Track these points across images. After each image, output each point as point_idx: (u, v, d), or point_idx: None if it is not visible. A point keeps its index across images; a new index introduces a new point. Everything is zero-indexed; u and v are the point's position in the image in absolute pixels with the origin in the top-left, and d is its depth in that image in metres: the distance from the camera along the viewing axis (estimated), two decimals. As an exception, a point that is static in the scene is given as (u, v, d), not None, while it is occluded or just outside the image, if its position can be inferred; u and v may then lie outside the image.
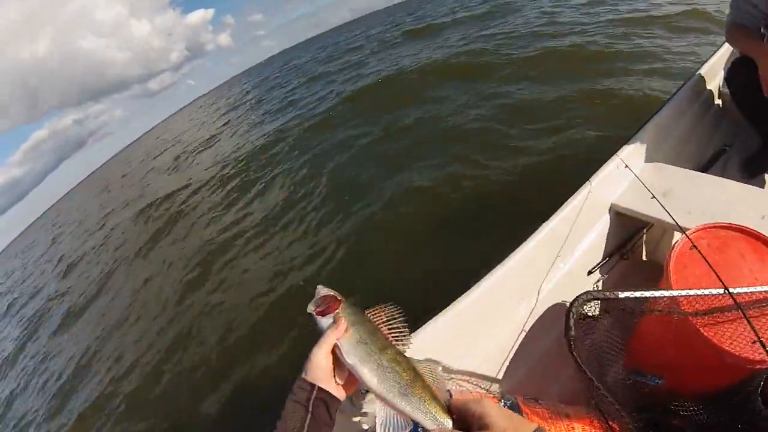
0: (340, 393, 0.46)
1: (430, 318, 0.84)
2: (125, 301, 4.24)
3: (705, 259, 0.68)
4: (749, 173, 1.55)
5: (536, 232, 1.02)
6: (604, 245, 1.19)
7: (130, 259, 5.34)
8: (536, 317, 1.01)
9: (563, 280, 1.07)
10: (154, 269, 4.52)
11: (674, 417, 0.78)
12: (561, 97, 3.61)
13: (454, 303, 0.87)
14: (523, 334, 0.98)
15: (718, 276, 0.64)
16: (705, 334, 0.64)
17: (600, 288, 1.18)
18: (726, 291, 0.62)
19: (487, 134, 3.53)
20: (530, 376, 0.96)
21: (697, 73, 1.72)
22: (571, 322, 0.71)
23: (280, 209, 4.04)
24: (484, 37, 6.88)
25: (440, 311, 0.85)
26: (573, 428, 0.69)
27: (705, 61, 1.80)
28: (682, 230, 0.80)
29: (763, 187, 1.42)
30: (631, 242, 1.22)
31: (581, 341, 0.73)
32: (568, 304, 0.75)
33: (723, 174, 1.58)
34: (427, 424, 0.40)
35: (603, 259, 1.17)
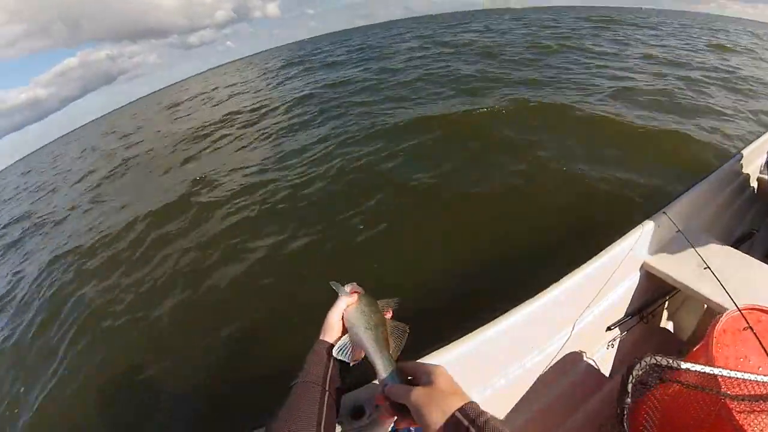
0: None
1: (448, 342, 0.82)
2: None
3: (760, 342, 0.65)
4: None
5: (566, 277, 0.99)
6: (628, 303, 1.17)
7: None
8: (551, 362, 0.99)
9: (582, 331, 1.05)
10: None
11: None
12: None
13: (473, 333, 0.84)
14: (535, 377, 0.96)
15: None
16: (738, 419, 0.61)
17: (616, 346, 1.16)
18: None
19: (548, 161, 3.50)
20: (537, 418, 0.94)
21: (741, 152, 1.76)
22: (629, 386, 0.67)
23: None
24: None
25: (457, 338, 0.82)
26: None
27: (751, 142, 1.86)
28: (737, 307, 0.77)
29: None
30: (655, 305, 1.21)
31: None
32: (613, 365, 0.72)
33: (749, 251, 1.52)
34: (378, 365, 0.49)
35: (624, 317, 1.15)
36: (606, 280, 1.07)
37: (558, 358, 1.00)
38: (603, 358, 1.14)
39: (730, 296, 0.84)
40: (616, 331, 1.14)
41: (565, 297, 0.97)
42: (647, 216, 1.22)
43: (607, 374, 1.12)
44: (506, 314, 0.89)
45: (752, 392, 0.61)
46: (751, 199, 1.87)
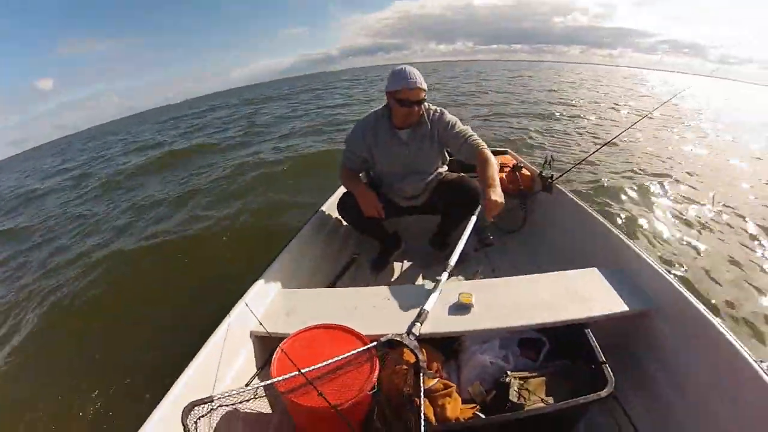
0: None
1: None
2: None
3: (286, 355, 1.00)
4: (375, 271, 2.07)
5: (186, 369, 1.09)
6: (255, 362, 1.33)
7: None
8: None
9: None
10: None
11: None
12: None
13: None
14: None
15: (292, 362, 0.95)
16: (294, 400, 0.94)
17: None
18: (299, 371, 0.93)
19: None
20: None
21: (321, 208, 2.19)
22: (189, 426, 0.82)
23: None
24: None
25: None
26: None
27: (330, 197, 2.28)
28: (276, 339, 1.13)
29: (396, 279, 2.02)
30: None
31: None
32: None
33: (356, 275, 2.06)
34: None
35: (256, 372, 1.31)
36: (219, 362, 1.20)
37: None
38: None
39: (268, 332, 1.25)
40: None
41: (186, 393, 1.04)
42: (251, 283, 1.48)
43: None
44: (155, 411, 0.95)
45: (292, 385, 0.97)
46: (346, 236, 2.26)
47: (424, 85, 1.64)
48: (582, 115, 9.70)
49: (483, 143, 1.73)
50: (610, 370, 1.07)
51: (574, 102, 12.74)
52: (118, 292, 3.17)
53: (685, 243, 3.18)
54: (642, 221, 3.51)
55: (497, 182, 1.57)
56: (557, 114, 9.82)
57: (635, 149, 6.18)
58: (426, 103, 1.73)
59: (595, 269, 1.47)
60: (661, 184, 4.53)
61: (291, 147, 7.89)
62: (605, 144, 2.57)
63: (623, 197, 4.11)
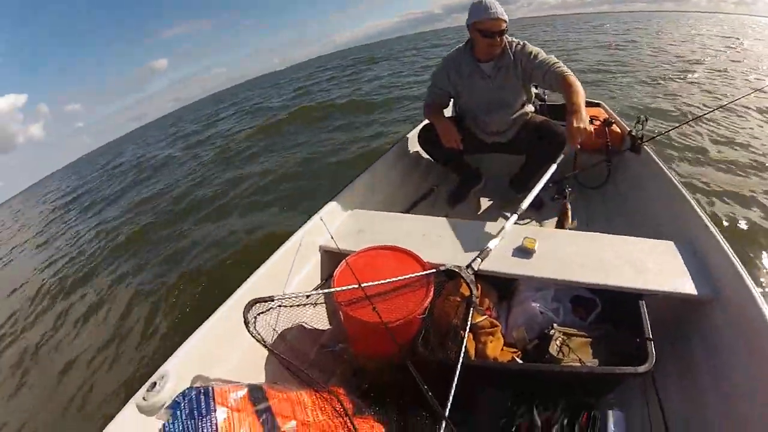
0: None
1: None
2: None
3: (350, 268, 1.07)
4: (451, 203, 2.12)
5: (257, 270, 1.22)
6: (319, 275, 1.43)
7: None
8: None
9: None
10: None
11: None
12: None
13: (206, 321, 1.06)
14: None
15: (354, 274, 1.02)
16: (349, 312, 1.01)
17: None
18: (359, 285, 0.98)
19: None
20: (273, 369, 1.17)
21: (405, 137, 2.25)
22: (249, 319, 0.90)
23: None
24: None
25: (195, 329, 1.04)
26: (302, 397, 0.92)
27: (413, 129, 2.32)
28: (343, 255, 1.17)
29: (473, 213, 2.08)
30: None
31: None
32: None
33: (433, 206, 2.12)
34: None
35: (320, 284, 1.40)
36: (289, 269, 1.31)
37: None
38: None
39: (338, 248, 1.27)
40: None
41: (262, 281, 1.21)
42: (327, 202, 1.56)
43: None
44: (220, 307, 1.11)
45: (349, 297, 1.03)
46: (428, 167, 2.31)
47: (505, 16, 1.61)
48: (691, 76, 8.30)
49: (569, 70, 1.64)
50: (654, 347, 1.03)
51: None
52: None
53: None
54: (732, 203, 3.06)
55: (583, 108, 1.50)
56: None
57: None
58: (508, 36, 1.70)
59: (671, 243, 1.37)
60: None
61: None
62: (706, 113, 2.42)
63: (721, 173, 3.55)
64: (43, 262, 6.07)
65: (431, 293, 1.05)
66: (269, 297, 0.95)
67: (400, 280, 1.03)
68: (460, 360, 0.91)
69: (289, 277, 1.31)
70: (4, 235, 12.00)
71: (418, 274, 1.06)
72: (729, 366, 1.12)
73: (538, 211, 2.00)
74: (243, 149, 7.93)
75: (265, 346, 0.90)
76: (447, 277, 1.10)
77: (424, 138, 1.97)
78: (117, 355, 2.72)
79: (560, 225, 1.67)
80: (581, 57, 11.88)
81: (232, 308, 1.11)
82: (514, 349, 1.17)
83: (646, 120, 2.01)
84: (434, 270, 1.08)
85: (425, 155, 2.14)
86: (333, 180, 4.34)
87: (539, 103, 2.19)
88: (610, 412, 1.13)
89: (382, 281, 1.02)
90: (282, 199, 4.43)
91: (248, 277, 1.21)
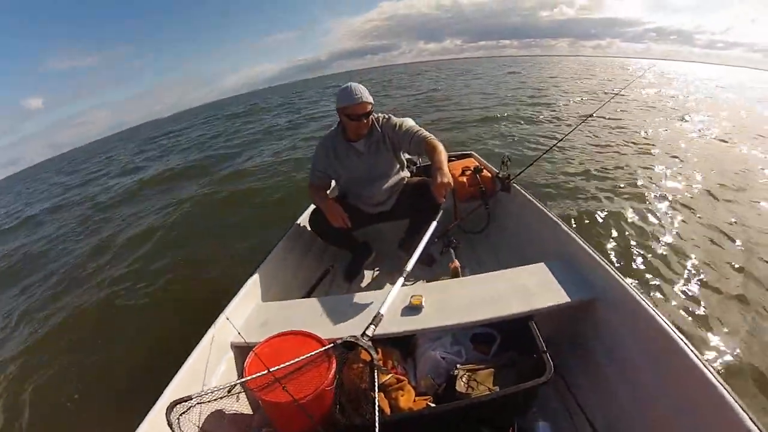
0: None
1: None
2: None
3: (258, 357, 1.14)
4: (348, 279, 2.16)
5: (175, 375, 1.22)
6: (236, 373, 1.43)
7: None
8: None
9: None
10: None
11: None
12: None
13: None
14: None
15: (262, 362, 1.09)
16: (263, 397, 1.07)
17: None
18: (267, 370, 1.06)
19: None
20: None
21: (296, 222, 2.30)
22: (172, 421, 0.93)
23: None
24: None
25: None
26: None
27: (304, 212, 2.39)
28: (250, 347, 1.21)
29: (357, 289, 2.07)
30: None
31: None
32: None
33: (332, 285, 2.15)
34: None
35: (237, 380, 1.35)
36: (204, 369, 1.33)
37: None
38: None
39: (245, 341, 1.37)
40: None
41: (182, 384, 1.22)
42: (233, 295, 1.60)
43: None
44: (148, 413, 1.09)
45: (262, 383, 1.10)
46: (323, 248, 2.34)
47: (370, 99, 1.77)
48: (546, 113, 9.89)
49: (430, 135, 1.83)
50: (550, 358, 1.17)
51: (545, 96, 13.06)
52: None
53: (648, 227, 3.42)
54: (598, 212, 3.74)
55: (445, 165, 1.64)
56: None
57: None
58: (375, 114, 1.86)
59: (542, 264, 1.58)
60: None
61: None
62: (556, 144, 2.75)
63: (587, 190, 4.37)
64: None
65: (333, 365, 1.14)
66: (187, 396, 0.98)
67: (303, 359, 1.12)
68: (377, 419, 0.99)
69: (206, 375, 1.32)
70: None
71: (318, 350, 1.16)
72: (626, 354, 1.29)
73: (430, 268, 2.10)
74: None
75: None
76: (346, 348, 1.18)
77: (313, 221, 2.04)
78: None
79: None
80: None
81: (156, 417, 1.08)
82: (426, 397, 1.27)
83: (509, 159, 2.31)
84: (332, 344, 1.17)
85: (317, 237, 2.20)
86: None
87: (413, 167, 2.34)
88: (538, 425, 1.26)
89: (288, 362, 1.10)
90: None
91: (168, 383, 1.20)
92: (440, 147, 1.76)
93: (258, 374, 1.08)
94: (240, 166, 8.17)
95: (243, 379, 1.09)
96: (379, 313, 1.30)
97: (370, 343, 1.18)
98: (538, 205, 2.00)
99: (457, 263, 1.83)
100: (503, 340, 1.43)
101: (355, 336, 1.19)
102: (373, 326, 1.25)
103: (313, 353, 1.15)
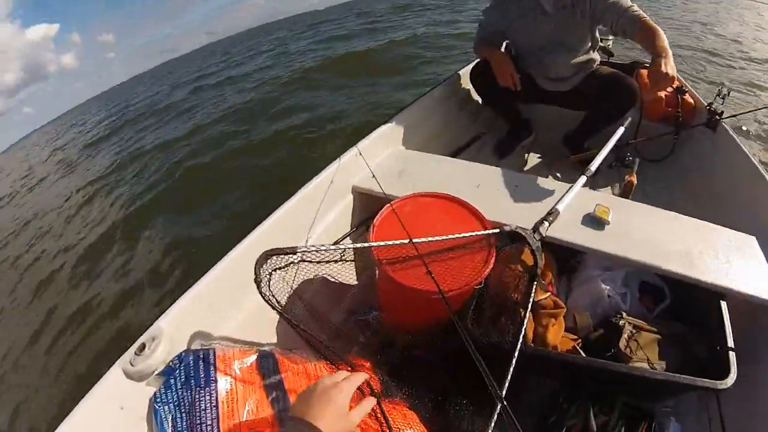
0: None
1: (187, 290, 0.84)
2: None
3: (398, 217, 0.85)
4: (499, 154, 1.89)
5: (283, 205, 1.05)
6: (350, 222, 1.27)
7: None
8: None
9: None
10: None
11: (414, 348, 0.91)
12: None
13: (209, 272, 0.88)
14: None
15: (404, 228, 0.79)
16: (392, 274, 0.80)
17: None
18: (410, 240, 0.77)
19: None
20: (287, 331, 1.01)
21: (457, 73, 2.02)
22: (261, 277, 0.71)
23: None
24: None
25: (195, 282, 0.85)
26: (321, 372, 0.78)
27: (464, 67, 2.08)
28: (388, 199, 0.97)
29: (520, 168, 1.90)
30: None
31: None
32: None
33: (478, 155, 1.89)
34: None
35: (349, 231, 1.25)
36: (317, 207, 1.14)
37: None
38: None
39: (384, 192, 1.04)
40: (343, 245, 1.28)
41: (279, 225, 1.04)
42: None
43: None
44: (233, 249, 0.93)
45: (393, 254, 0.82)
46: (476, 111, 2.09)
47: None
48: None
49: (646, 15, 1.41)
50: (735, 360, 0.87)
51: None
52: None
53: None
54: None
55: (669, 53, 1.27)
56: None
57: None
58: None
59: (753, 238, 1.19)
60: None
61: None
62: None
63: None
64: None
65: (492, 259, 0.84)
66: (291, 248, 0.75)
67: (457, 237, 0.82)
68: (518, 345, 0.72)
69: (314, 222, 1.12)
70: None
71: (480, 233, 0.85)
72: None
73: (595, 176, 1.78)
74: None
75: (280, 313, 0.73)
76: (510, 240, 0.90)
77: (475, 76, 1.77)
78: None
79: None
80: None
81: (239, 258, 0.93)
82: (575, 336, 0.98)
83: (728, 93, 1.75)
84: (497, 230, 0.87)
85: (476, 96, 1.96)
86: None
87: (606, 57, 1.93)
88: (671, 423, 0.99)
89: (436, 238, 0.81)
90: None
91: (262, 221, 1.01)
92: (661, 32, 1.33)
93: (396, 242, 0.78)
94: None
95: (375, 243, 0.81)
96: (555, 208, 1.02)
97: (539, 244, 0.89)
98: (753, 159, 1.53)
99: (635, 178, 1.48)
100: (672, 303, 1.11)
101: (524, 229, 0.90)
102: (546, 223, 0.97)
103: (472, 234, 0.83)
